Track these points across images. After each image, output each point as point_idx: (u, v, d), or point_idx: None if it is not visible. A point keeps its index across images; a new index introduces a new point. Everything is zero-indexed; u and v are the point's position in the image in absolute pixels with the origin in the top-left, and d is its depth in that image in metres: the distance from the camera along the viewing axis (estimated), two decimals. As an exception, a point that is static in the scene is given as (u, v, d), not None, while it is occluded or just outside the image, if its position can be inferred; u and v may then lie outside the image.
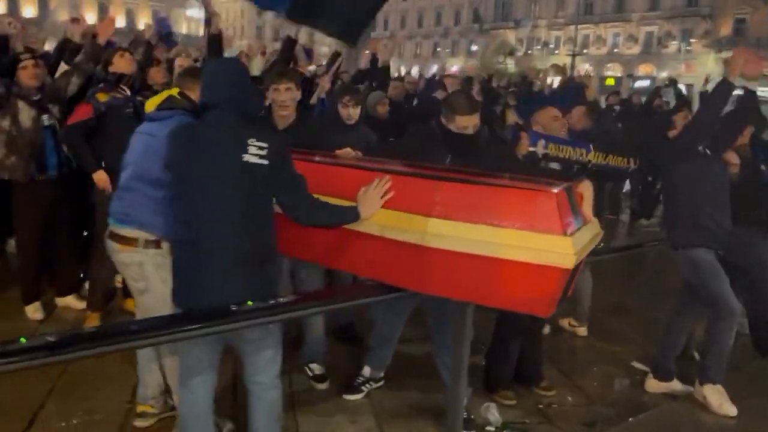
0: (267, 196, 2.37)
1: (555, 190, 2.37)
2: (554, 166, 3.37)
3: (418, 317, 3.44)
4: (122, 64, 4.11)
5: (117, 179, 2.82)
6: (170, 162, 2.41)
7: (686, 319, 3.90)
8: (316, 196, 2.45)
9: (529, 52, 49.43)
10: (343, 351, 4.05)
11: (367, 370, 3.60)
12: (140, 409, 3.05)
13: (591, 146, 3.38)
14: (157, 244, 2.71)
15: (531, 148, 3.17)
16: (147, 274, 2.73)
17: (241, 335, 2.42)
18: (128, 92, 3.98)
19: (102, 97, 3.85)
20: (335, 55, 5.69)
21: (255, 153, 2.27)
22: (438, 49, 57.33)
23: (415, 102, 7.29)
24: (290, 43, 5.06)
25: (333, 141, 3.84)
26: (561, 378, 4.02)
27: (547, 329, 4.53)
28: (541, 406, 3.67)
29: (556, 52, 47.92)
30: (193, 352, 2.47)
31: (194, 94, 2.72)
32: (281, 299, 2.43)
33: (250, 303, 2.32)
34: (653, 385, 3.93)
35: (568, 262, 2.22)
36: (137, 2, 53.21)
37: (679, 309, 3.92)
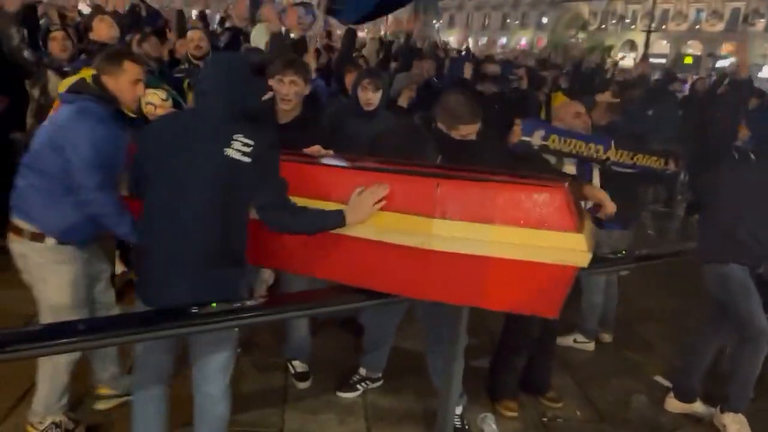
0: (245, 196, 2.24)
1: (564, 185, 2.28)
2: (552, 160, 3.08)
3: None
4: (103, 30, 3.98)
5: None
6: (148, 152, 2.31)
7: (713, 339, 3.58)
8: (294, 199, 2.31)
9: (603, 26, 47.35)
10: (342, 343, 3.94)
11: (363, 370, 3.48)
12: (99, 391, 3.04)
13: (611, 143, 3.07)
14: (42, 239, 2.57)
15: (525, 138, 2.88)
16: (30, 267, 2.62)
17: (198, 338, 2.33)
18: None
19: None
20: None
21: (238, 149, 2.16)
22: (507, 21, 55.71)
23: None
24: (352, 34, 4.97)
25: (348, 129, 3.71)
26: (572, 388, 3.79)
27: (591, 346, 4.30)
28: (545, 419, 3.46)
29: (632, 27, 45.71)
30: (149, 355, 2.41)
31: (113, 81, 2.57)
32: (258, 301, 2.33)
33: (213, 305, 2.25)
34: (673, 404, 3.65)
35: (583, 259, 2.15)
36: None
37: (705, 327, 3.60)
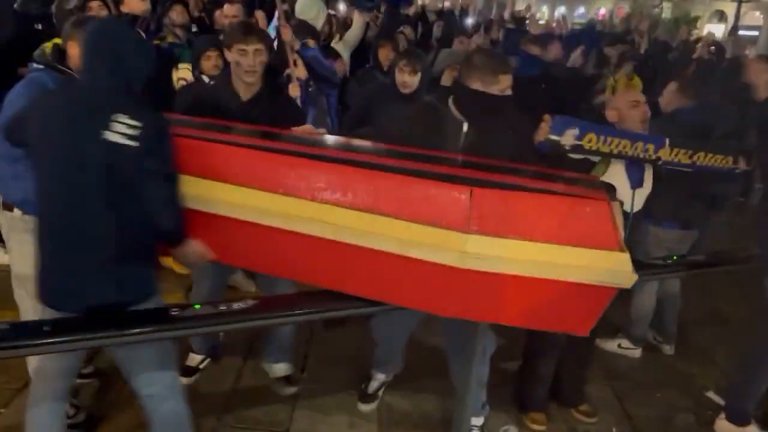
0: (140, 177, 1.98)
1: (606, 196, 2.15)
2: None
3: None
4: (134, 2, 3.87)
5: None
6: (28, 133, 2.07)
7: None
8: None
9: (690, -4, 44.45)
10: (360, 338, 3.57)
11: (380, 377, 3.24)
12: None
13: (665, 141, 2.69)
14: (11, 208, 2.56)
15: (553, 137, 2.54)
16: (4, 236, 2.66)
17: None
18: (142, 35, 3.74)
19: None
20: None
21: (122, 132, 1.90)
22: (587, -10, 53.15)
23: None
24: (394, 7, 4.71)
25: (385, 111, 3.44)
26: (611, 401, 3.46)
27: (638, 353, 3.96)
28: (574, 435, 3.18)
29: (723, -4, 42.64)
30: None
31: (78, 48, 2.37)
32: (238, 305, 2.14)
33: (197, 306, 2.10)
34: (724, 427, 3.27)
35: (627, 280, 2.02)
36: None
37: (764, 345, 3.18)
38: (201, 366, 3.29)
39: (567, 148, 2.52)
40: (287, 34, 3.89)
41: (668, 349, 4.05)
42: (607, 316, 3.66)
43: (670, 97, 3.72)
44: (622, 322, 3.96)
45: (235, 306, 2.11)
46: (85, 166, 1.93)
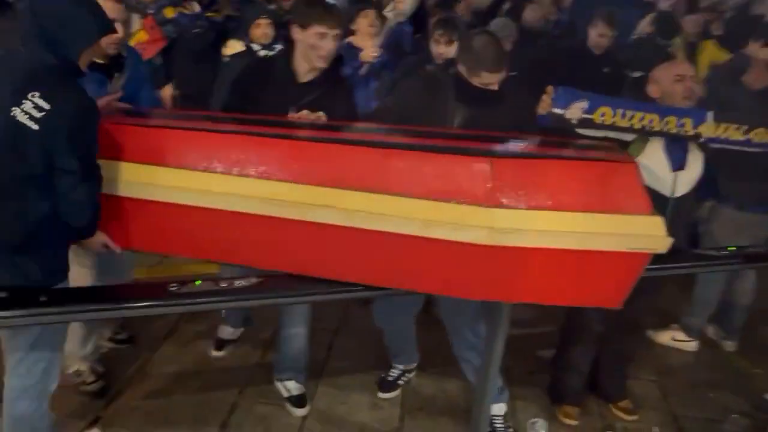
0: (44, 165, 1.82)
1: (633, 160, 2.11)
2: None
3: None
4: None
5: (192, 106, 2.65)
6: None
7: None
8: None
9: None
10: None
11: (398, 366, 3.15)
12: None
13: (706, 115, 2.42)
14: None
15: (557, 110, 2.33)
16: None
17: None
18: (197, 8, 3.73)
19: (169, 13, 3.64)
20: None
21: (28, 111, 1.76)
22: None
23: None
24: None
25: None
26: (656, 398, 3.23)
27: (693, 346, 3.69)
28: (610, 432, 2.99)
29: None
30: None
31: None
32: (249, 282, 2.08)
33: (198, 282, 2.06)
34: (782, 435, 2.99)
35: (662, 244, 1.92)
36: None
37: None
38: (232, 338, 3.31)
39: (574, 122, 2.31)
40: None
41: (730, 345, 3.74)
42: (662, 306, 3.45)
43: (758, 74, 3.35)
44: (677, 313, 3.69)
45: (237, 284, 2.07)
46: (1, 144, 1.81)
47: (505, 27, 4.17)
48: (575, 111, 2.33)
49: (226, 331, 3.30)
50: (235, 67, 3.23)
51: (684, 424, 3.07)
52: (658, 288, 2.88)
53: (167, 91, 4.04)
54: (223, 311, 3.22)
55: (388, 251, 1.91)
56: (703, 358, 3.65)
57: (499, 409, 2.81)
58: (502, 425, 2.83)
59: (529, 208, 1.87)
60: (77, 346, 2.74)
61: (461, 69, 2.42)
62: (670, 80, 2.60)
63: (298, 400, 2.91)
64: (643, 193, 1.95)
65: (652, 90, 2.64)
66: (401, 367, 3.13)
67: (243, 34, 3.85)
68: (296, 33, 2.48)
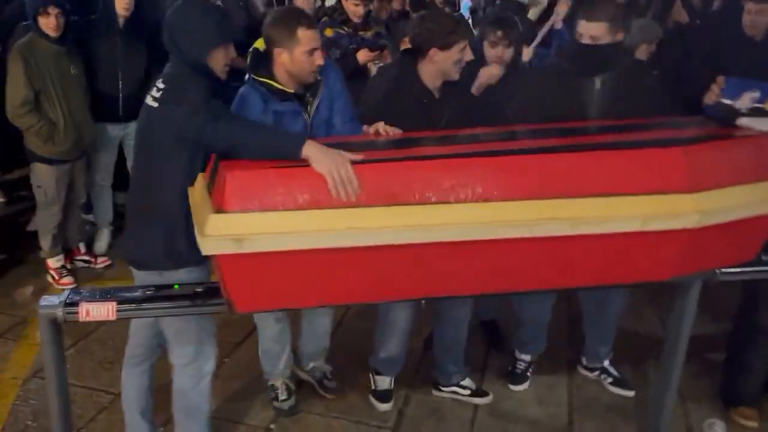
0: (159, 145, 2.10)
1: None
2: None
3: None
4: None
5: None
6: None
7: None
8: None
9: None
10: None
11: (525, 357, 3.16)
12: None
13: None
14: None
15: (726, 101, 2.29)
16: None
17: None
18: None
19: (328, 32, 3.79)
20: None
21: (153, 94, 2.09)
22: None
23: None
24: None
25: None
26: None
27: None
28: (794, 436, 2.87)
29: None
30: None
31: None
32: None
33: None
34: None
35: None
36: None
37: None
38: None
39: (743, 111, 2.28)
40: None
41: None
42: None
43: None
44: None
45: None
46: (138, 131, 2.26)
47: (650, 28, 4.12)
48: (746, 100, 2.30)
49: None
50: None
51: None
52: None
53: None
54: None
55: (608, 252, 1.95)
56: None
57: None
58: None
59: (721, 187, 1.96)
60: (268, 364, 2.88)
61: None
62: None
63: (478, 393, 3.03)
64: None
65: None
66: (528, 357, 3.15)
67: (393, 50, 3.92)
68: (435, 55, 2.48)
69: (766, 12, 3.48)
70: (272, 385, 2.92)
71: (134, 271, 2.25)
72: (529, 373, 3.17)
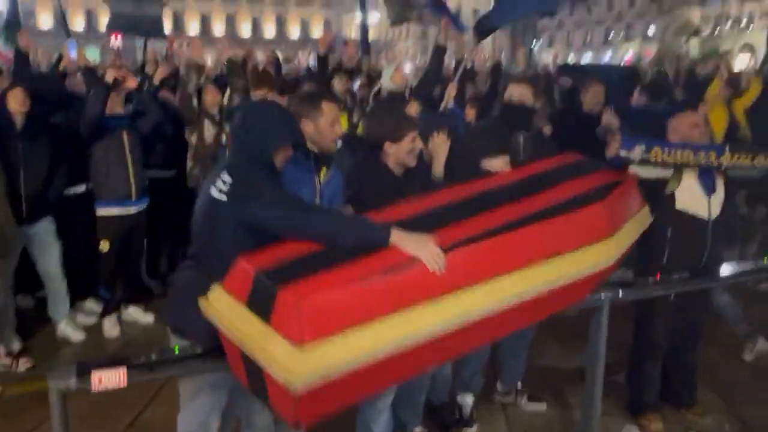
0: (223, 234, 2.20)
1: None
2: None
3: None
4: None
5: None
6: None
7: None
8: None
9: (717, 32, 44.77)
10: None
11: (469, 399, 3.45)
12: None
13: (725, 147, 3.05)
14: None
15: (623, 153, 2.97)
16: None
17: None
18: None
19: None
20: (440, 52, 5.11)
21: (219, 187, 2.15)
22: (611, 35, 54.03)
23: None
24: (440, 52, 5.06)
25: None
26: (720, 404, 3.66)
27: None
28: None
29: (750, 28, 42.83)
30: None
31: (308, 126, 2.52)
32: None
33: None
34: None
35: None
36: (310, 12, 56.59)
37: None
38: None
39: (636, 161, 2.94)
40: None
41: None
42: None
43: None
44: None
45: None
46: (199, 219, 2.28)
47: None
48: (637, 152, 2.94)
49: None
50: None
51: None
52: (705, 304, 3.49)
53: None
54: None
55: (554, 297, 2.39)
56: None
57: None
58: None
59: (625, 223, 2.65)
60: None
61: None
62: (687, 127, 3.18)
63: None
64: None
65: (673, 138, 3.21)
66: (471, 399, 3.45)
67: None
68: (389, 148, 2.79)
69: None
70: None
71: (171, 336, 2.35)
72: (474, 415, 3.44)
